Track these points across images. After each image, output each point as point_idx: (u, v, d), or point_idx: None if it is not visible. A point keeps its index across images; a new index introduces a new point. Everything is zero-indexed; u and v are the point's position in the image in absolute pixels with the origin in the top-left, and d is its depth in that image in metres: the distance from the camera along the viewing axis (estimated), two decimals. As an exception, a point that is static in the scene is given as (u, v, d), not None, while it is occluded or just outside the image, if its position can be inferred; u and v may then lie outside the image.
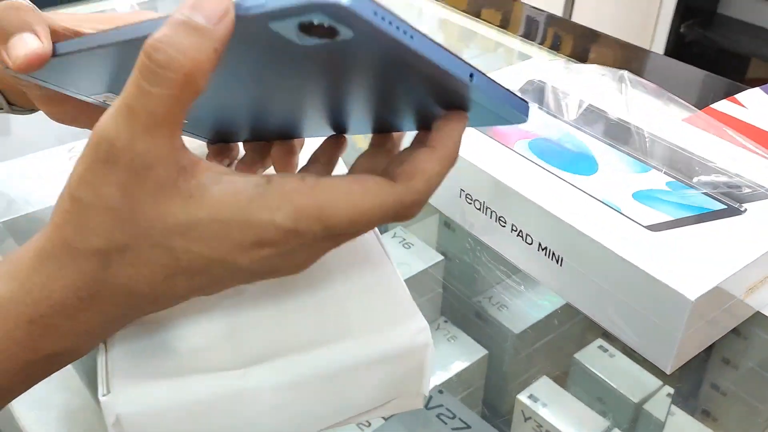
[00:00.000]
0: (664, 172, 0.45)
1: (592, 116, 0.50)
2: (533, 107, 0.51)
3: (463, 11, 0.86)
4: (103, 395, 0.28)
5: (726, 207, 0.42)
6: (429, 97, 0.27)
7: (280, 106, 0.30)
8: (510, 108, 0.27)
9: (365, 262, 0.35)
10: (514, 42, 0.80)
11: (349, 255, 0.35)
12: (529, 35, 0.81)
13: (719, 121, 0.56)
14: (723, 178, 0.44)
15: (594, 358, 0.51)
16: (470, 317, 0.56)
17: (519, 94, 0.27)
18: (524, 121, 0.28)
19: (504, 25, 0.83)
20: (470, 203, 0.47)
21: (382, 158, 0.30)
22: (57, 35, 0.35)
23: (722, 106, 0.58)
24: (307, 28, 0.21)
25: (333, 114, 0.30)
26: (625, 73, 0.55)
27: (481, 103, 0.27)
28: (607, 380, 0.50)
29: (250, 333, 0.31)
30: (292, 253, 0.25)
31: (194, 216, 0.24)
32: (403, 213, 0.26)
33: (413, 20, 0.88)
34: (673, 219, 0.41)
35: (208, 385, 0.29)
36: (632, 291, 0.39)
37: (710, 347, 0.48)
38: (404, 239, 0.56)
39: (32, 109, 0.43)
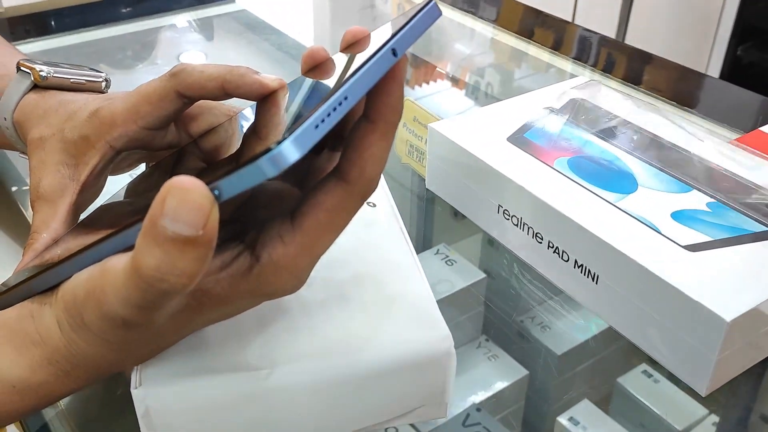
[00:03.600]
0: (705, 193, 0.44)
1: (633, 135, 0.50)
2: (576, 126, 0.51)
3: (515, 32, 0.87)
4: (135, 388, 0.29)
5: (767, 229, 0.41)
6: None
7: None
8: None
9: (395, 269, 0.36)
10: (565, 64, 0.80)
11: (379, 262, 0.36)
12: (580, 57, 0.80)
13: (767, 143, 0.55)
14: (765, 200, 0.43)
15: (637, 382, 0.50)
16: (512, 336, 0.56)
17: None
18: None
19: (556, 46, 0.83)
20: (507, 219, 0.47)
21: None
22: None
23: (772, 128, 0.57)
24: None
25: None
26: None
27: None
28: (650, 406, 0.49)
29: (278, 335, 0.32)
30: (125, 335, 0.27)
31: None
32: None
33: (466, 41, 0.89)
34: (712, 240, 0.41)
35: (235, 383, 0.30)
36: (668, 310, 0.38)
37: (760, 376, 0.47)
38: (447, 256, 0.56)
39: None
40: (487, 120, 0.53)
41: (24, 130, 0.40)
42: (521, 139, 0.50)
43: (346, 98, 0.24)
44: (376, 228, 0.39)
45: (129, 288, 0.24)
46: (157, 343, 0.29)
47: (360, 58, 0.27)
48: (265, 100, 0.33)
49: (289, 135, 0.22)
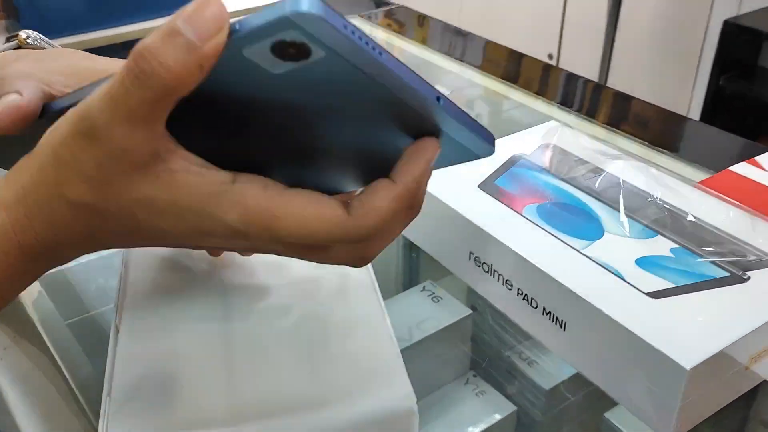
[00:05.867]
0: (669, 239, 0.45)
1: (601, 181, 0.51)
2: (546, 173, 0.52)
3: (497, 75, 0.88)
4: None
5: (729, 275, 0.42)
6: (395, 128, 0.27)
7: (259, 145, 0.30)
8: (476, 137, 0.27)
9: (363, 325, 0.37)
10: (544, 106, 0.82)
11: (347, 317, 0.37)
12: (557, 99, 0.82)
13: (737, 184, 0.56)
14: (728, 245, 0.44)
15: (625, 417, 0.51)
16: (500, 372, 0.56)
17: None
18: (491, 152, 0.28)
19: (535, 89, 0.84)
20: (479, 266, 0.48)
21: None
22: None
23: (741, 168, 0.58)
24: (280, 50, 0.23)
25: (308, 165, 0.31)
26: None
27: (447, 133, 0.27)
28: (638, 441, 0.50)
29: (245, 392, 0.32)
30: (239, 244, 0.29)
31: (157, 195, 0.27)
32: (351, 241, 0.28)
33: (449, 83, 0.90)
34: (674, 286, 0.41)
35: (201, 442, 0.30)
36: (631, 358, 0.39)
37: (748, 408, 0.47)
38: (433, 293, 0.57)
39: None
40: (459, 166, 0.54)
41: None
42: (492, 186, 0.51)
43: (380, 54, 0.24)
44: (346, 281, 0.40)
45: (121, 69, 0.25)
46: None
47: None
48: None
49: None
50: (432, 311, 0.54)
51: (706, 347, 0.37)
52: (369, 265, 0.42)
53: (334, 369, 0.34)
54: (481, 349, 0.57)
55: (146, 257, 0.41)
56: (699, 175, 0.65)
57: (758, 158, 0.59)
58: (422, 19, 1.07)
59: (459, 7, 2.27)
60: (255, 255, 0.41)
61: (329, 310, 0.37)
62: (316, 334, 0.36)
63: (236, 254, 0.41)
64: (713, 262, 0.43)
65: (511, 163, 0.54)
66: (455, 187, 0.51)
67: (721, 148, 0.73)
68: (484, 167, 0.53)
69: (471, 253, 0.48)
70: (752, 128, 1.61)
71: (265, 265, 0.41)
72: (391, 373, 0.33)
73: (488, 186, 0.51)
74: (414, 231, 0.55)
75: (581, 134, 0.56)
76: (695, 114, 1.78)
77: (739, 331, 0.38)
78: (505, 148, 0.56)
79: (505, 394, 0.54)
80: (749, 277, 0.42)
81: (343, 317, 0.37)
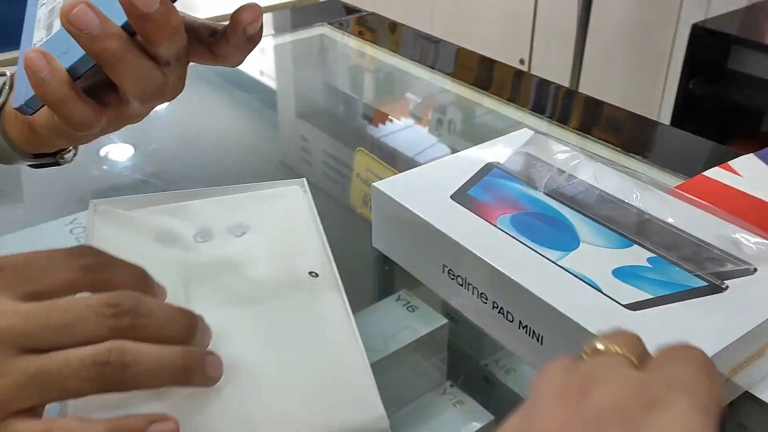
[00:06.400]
0: (646, 248, 0.44)
1: (576, 189, 0.50)
2: (519, 182, 0.51)
3: (469, 82, 0.87)
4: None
5: (707, 284, 0.41)
6: None
7: None
8: None
9: (334, 346, 0.35)
10: (521, 115, 0.81)
11: (318, 338, 0.36)
12: (533, 107, 0.81)
13: (711, 189, 0.55)
14: (706, 254, 0.44)
15: None
16: (477, 381, 0.55)
17: None
18: None
19: (507, 96, 0.84)
20: (452, 279, 0.47)
21: None
22: None
23: (715, 173, 0.57)
24: None
25: None
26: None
27: None
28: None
29: (210, 411, 0.31)
30: None
31: None
32: None
33: (421, 91, 0.89)
34: (652, 297, 0.40)
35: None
36: (611, 372, 0.38)
37: (725, 412, 0.46)
38: (408, 302, 0.55)
39: (39, 154, 0.45)
40: (431, 177, 0.53)
41: None
42: (465, 196, 0.50)
43: None
44: (317, 301, 0.39)
45: None
46: None
47: None
48: None
49: None
50: (407, 321, 0.53)
51: (687, 360, 0.36)
52: (340, 282, 0.41)
53: (306, 392, 0.32)
54: (458, 358, 0.56)
55: None
56: (671, 180, 0.65)
57: (732, 163, 0.59)
58: (393, 26, 1.06)
59: (430, 14, 2.27)
60: (221, 270, 0.40)
61: (300, 332, 0.36)
62: (286, 355, 0.34)
63: (201, 270, 0.40)
64: (691, 272, 0.42)
65: (484, 172, 0.53)
66: (427, 198, 0.50)
67: (692, 152, 0.73)
68: (457, 177, 0.52)
69: (444, 265, 0.47)
70: (722, 131, 1.62)
71: (231, 280, 0.39)
72: (363, 395, 0.32)
73: (461, 196, 0.50)
74: (386, 243, 0.54)
75: (555, 141, 0.56)
76: (666, 117, 1.79)
77: (719, 342, 0.37)
78: (478, 156, 0.55)
79: (482, 403, 0.53)
80: (728, 287, 0.41)
81: (314, 339, 0.36)
